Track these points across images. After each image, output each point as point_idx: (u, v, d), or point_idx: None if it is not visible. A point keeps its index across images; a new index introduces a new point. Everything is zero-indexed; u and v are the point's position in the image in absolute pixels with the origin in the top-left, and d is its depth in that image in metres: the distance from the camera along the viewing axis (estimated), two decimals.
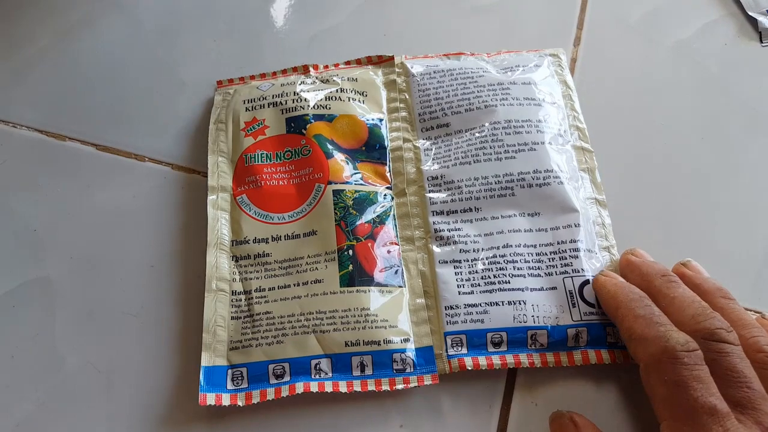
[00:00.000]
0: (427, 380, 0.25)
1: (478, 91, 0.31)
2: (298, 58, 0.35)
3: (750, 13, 0.36)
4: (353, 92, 0.32)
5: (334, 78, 0.32)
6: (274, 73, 0.34)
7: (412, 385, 0.25)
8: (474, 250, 0.27)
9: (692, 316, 0.22)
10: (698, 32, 0.36)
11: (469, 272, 0.27)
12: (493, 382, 0.26)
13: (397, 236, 0.28)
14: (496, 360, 0.25)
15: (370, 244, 0.28)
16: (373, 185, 0.29)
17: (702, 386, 0.20)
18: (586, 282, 0.26)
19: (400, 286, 0.27)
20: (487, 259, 0.27)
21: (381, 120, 0.31)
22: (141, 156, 0.32)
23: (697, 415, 0.19)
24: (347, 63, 0.34)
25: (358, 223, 0.28)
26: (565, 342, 0.25)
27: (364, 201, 0.29)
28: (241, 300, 0.27)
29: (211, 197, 0.29)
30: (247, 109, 0.31)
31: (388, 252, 0.28)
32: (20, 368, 0.27)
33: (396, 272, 0.27)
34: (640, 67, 0.35)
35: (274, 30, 0.37)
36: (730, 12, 0.37)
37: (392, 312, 0.26)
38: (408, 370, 0.25)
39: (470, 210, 0.28)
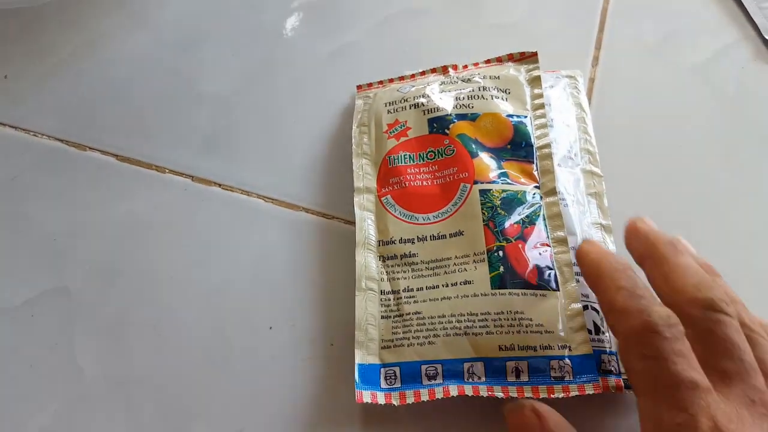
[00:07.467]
0: (589, 389, 0.23)
1: None
2: (317, 73, 0.36)
3: (766, 37, 0.35)
4: (496, 90, 0.31)
5: (475, 77, 0.32)
6: (413, 75, 0.34)
7: (572, 393, 0.23)
8: None
9: (695, 285, 0.21)
10: (715, 55, 0.35)
11: None
12: None
13: (548, 237, 0.27)
14: None
15: (520, 246, 0.26)
16: (521, 184, 0.28)
17: (683, 360, 0.19)
18: (585, 307, 0.25)
19: (555, 290, 0.26)
20: None
21: (526, 117, 0.30)
22: (161, 167, 0.33)
23: (677, 388, 0.19)
24: (487, 61, 0.33)
25: (507, 223, 0.27)
26: None
27: (513, 201, 0.28)
28: (389, 299, 0.27)
29: (357, 198, 0.30)
30: (389, 111, 0.32)
31: (540, 254, 0.27)
32: (38, 378, 0.27)
33: (549, 275, 0.26)
34: (657, 88, 0.34)
35: (289, 45, 0.37)
36: (746, 35, 0.36)
37: (547, 317, 0.25)
38: (567, 378, 0.24)
39: None
